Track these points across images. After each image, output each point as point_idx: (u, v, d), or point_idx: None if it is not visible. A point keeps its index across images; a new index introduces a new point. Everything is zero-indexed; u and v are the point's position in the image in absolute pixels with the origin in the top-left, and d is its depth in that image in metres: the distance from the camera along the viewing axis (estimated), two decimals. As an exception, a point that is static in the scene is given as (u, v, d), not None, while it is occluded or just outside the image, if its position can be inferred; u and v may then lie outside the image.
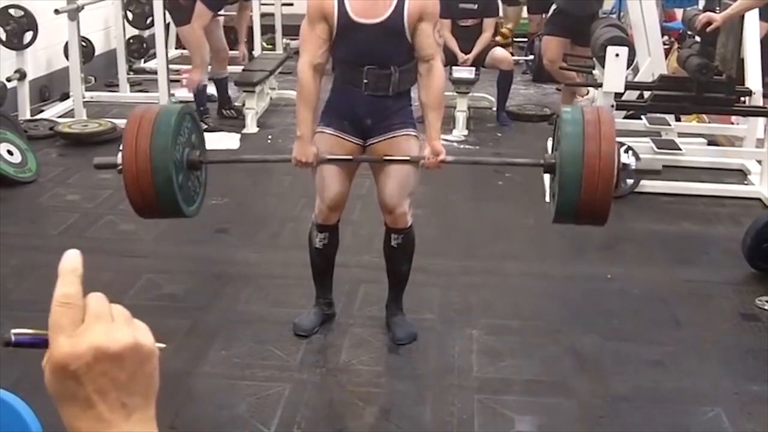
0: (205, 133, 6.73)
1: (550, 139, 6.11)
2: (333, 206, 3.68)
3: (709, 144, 6.68)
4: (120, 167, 3.43)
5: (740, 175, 6.15)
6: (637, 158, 5.55)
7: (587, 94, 7.31)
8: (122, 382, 0.74)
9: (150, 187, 3.39)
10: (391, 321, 3.85)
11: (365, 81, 3.47)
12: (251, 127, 7.23)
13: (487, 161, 3.58)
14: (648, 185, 5.71)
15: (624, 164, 3.25)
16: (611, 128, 3.22)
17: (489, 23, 7.51)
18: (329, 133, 3.57)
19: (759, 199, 5.62)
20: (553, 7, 7.27)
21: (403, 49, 3.47)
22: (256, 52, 9.40)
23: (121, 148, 3.46)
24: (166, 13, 6.97)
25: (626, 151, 3.31)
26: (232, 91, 7.62)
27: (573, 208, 3.23)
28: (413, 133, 3.59)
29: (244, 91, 7.41)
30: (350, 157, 3.60)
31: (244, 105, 7.36)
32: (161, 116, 3.43)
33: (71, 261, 0.81)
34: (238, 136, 6.98)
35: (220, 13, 7.25)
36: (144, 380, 0.76)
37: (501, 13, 9.14)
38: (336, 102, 3.60)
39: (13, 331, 0.81)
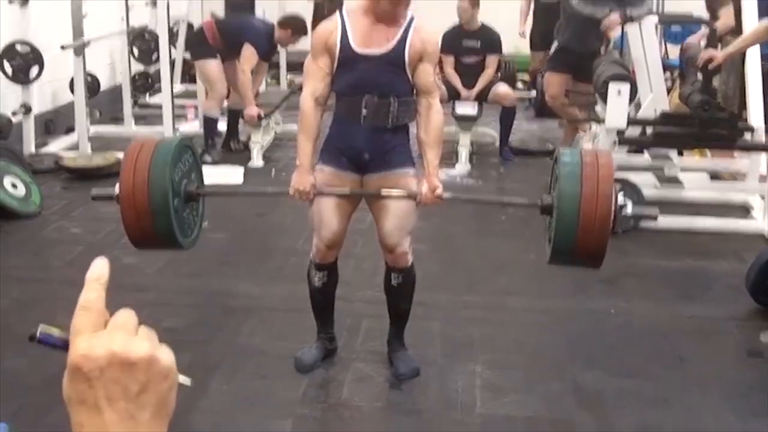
0: (210, 167, 6.86)
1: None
2: (331, 245, 3.67)
3: (711, 179, 6.68)
4: (117, 196, 3.42)
5: (743, 210, 6.15)
6: (636, 200, 5.57)
7: (590, 129, 7.33)
8: (133, 394, 0.74)
9: (147, 217, 3.37)
10: (394, 356, 3.84)
11: (364, 111, 3.47)
12: (257, 160, 7.31)
13: (484, 200, 3.58)
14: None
15: (621, 206, 3.27)
16: (609, 171, 3.22)
17: (492, 60, 7.56)
18: (328, 171, 3.58)
19: (762, 235, 5.61)
20: (555, 43, 7.32)
21: (403, 81, 3.49)
22: (261, 87, 9.48)
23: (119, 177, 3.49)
24: (172, 48, 7.02)
25: (624, 194, 3.31)
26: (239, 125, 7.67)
27: (569, 250, 3.23)
28: (411, 173, 3.59)
29: (250, 126, 7.48)
30: (347, 189, 3.60)
31: (249, 139, 7.42)
32: (160, 147, 3.45)
33: (97, 270, 0.82)
34: (242, 170, 7.00)
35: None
36: (156, 397, 0.76)
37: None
38: (335, 137, 3.61)
39: (41, 327, 0.82)
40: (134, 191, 3.36)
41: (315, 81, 3.53)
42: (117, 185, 3.42)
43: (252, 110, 7.22)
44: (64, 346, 0.77)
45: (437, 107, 3.55)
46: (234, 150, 7.51)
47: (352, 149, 3.54)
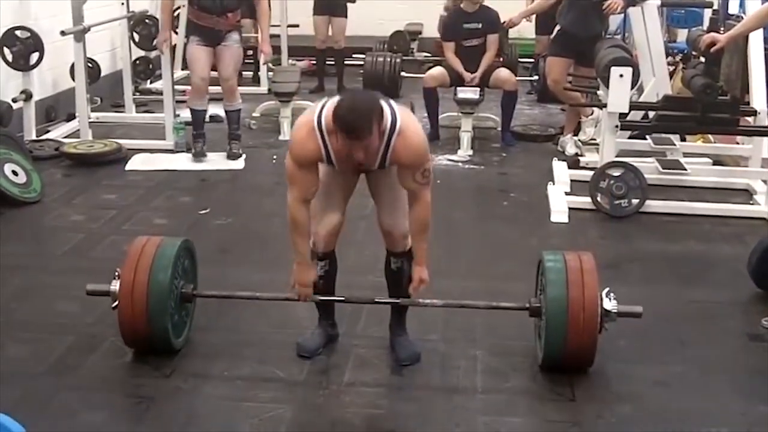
0: (211, 154, 6.83)
1: (549, 182, 6.14)
2: (334, 232, 3.69)
3: (714, 164, 6.67)
4: (115, 304, 3.59)
5: (746, 194, 6.13)
6: (638, 186, 5.59)
7: (592, 114, 7.30)
8: None
9: (142, 318, 3.57)
10: (395, 341, 3.84)
11: None
12: (286, 134, 7.40)
13: (470, 305, 3.74)
14: (653, 205, 5.71)
15: (606, 311, 3.50)
16: (593, 276, 3.54)
17: (492, 40, 7.55)
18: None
19: (764, 219, 5.59)
20: (557, 28, 7.28)
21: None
22: (262, 73, 9.47)
23: (117, 275, 3.54)
24: (173, 34, 6.95)
25: (607, 296, 3.51)
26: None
27: (559, 354, 3.53)
28: None
29: (280, 101, 7.73)
30: (342, 297, 3.79)
31: (279, 114, 7.72)
32: (163, 249, 3.65)
33: None
34: (243, 156, 6.99)
35: (224, 43, 6.70)
36: None
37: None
38: None
39: None
40: (133, 292, 3.56)
41: (303, 189, 3.43)
42: (113, 282, 3.60)
43: (164, 35, 6.90)
44: None
45: (425, 200, 3.49)
46: (229, 155, 6.96)
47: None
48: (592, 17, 6.82)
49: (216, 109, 7.42)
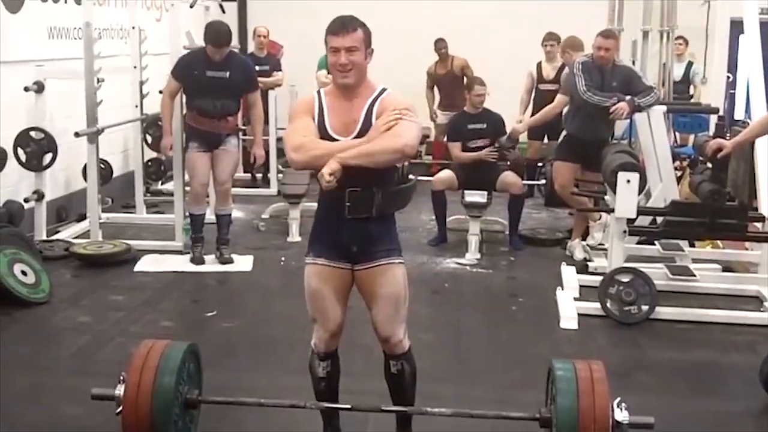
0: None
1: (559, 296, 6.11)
2: (336, 332, 3.67)
3: (723, 270, 6.64)
4: (119, 409, 3.53)
5: (756, 301, 6.09)
6: (647, 293, 5.57)
7: (599, 219, 7.33)
8: None
9: (147, 425, 3.51)
10: (401, 452, 3.78)
11: (348, 204, 3.47)
12: (295, 236, 7.55)
13: (478, 414, 3.73)
14: (663, 312, 5.67)
15: (617, 422, 3.44)
16: (604, 385, 3.49)
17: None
18: (321, 264, 3.58)
19: (775, 327, 5.55)
20: (564, 132, 7.36)
21: (384, 168, 3.47)
22: (272, 174, 9.57)
23: (122, 380, 3.53)
24: (184, 136, 7.03)
25: (618, 406, 3.50)
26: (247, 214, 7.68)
27: None
28: (398, 261, 3.60)
29: (290, 203, 7.80)
30: (348, 406, 3.72)
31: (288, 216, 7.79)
32: (168, 353, 3.61)
33: None
34: (251, 258, 7.01)
35: (222, 147, 6.76)
36: None
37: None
38: (321, 229, 3.61)
39: None
40: (138, 397, 3.52)
41: (301, 127, 3.49)
42: (118, 387, 3.55)
43: (167, 140, 6.94)
44: None
45: (396, 132, 3.41)
46: (221, 261, 6.90)
47: (340, 240, 3.54)
48: (599, 122, 6.88)
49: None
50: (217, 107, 6.62)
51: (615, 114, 6.63)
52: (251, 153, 7.36)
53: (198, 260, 6.84)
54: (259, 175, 10.19)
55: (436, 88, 10.68)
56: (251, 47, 10.56)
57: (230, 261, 6.88)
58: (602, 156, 6.56)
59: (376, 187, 3.48)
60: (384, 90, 3.54)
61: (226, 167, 6.80)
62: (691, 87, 11.00)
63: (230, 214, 7.06)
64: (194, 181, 6.84)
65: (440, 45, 10.44)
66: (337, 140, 3.44)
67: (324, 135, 3.46)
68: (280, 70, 10.14)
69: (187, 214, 7.01)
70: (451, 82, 10.42)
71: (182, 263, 6.84)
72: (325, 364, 3.73)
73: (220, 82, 6.58)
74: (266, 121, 9.35)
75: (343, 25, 3.43)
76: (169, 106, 6.83)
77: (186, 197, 7.16)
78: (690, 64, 11.08)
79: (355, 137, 3.44)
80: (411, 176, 3.77)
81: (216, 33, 6.56)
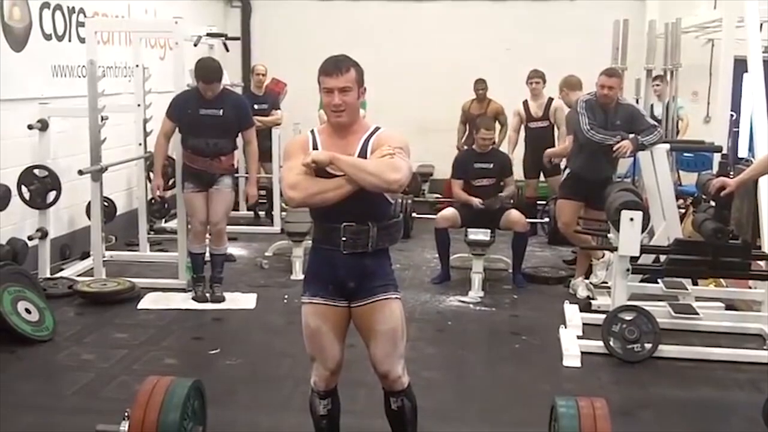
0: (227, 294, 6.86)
1: (566, 303, 6.12)
2: (335, 370, 3.68)
3: (727, 308, 6.64)
4: None
5: (759, 339, 6.07)
6: (650, 331, 5.56)
7: (603, 257, 7.33)
8: None
9: None
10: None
11: (343, 239, 3.50)
12: (298, 274, 7.53)
13: None
14: (666, 350, 5.66)
15: None
16: (607, 423, 3.52)
17: (509, 182, 7.68)
18: (318, 303, 3.60)
19: (779, 365, 5.53)
20: (567, 171, 7.39)
21: (378, 203, 3.53)
22: (275, 212, 9.60)
23: (126, 416, 3.55)
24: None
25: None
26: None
27: None
28: (395, 296, 3.62)
29: (293, 241, 7.80)
30: None
31: (291, 254, 7.80)
32: (173, 389, 3.63)
33: None
34: (255, 296, 7.01)
35: (216, 186, 6.73)
36: None
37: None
38: (316, 266, 3.64)
39: None
40: None
41: (301, 168, 3.49)
42: (123, 422, 3.58)
43: (158, 181, 6.99)
44: None
45: (390, 160, 3.48)
46: (212, 300, 6.88)
47: (336, 277, 3.56)
48: (602, 161, 6.90)
49: (230, 249, 7.50)
50: (210, 145, 6.63)
51: (618, 152, 6.65)
52: (244, 191, 7.36)
53: (201, 298, 6.84)
54: (262, 213, 10.22)
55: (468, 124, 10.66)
56: (255, 85, 10.62)
57: (222, 300, 6.87)
58: (605, 194, 6.58)
59: (371, 221, 3.51)
60: (378, 128, 3.60)
61: (219, 208, 6.77)
62: (679, 123, 10.99)
63: (224, 254, 7.08)
64: (194, 220, 6.87)
65: (479, 86, 10.34)
66: (332, 176, 3.46)
67: (320, 172, 3.47)
68: (279, 108, 10.17)
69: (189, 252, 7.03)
70: None
71: (185, 301, 6.84)
72: (326, 402, 3.73)
73: (213, 120, 6.61)
74: (269, 159, 9.44)
75: (336, 66, 3.48)
76: (163, 147, 6.87)
77: (189, 236, 7.18)
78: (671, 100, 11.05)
79: None
80: (414, 213, 3.82)
81: (205, 69, 6.61)
